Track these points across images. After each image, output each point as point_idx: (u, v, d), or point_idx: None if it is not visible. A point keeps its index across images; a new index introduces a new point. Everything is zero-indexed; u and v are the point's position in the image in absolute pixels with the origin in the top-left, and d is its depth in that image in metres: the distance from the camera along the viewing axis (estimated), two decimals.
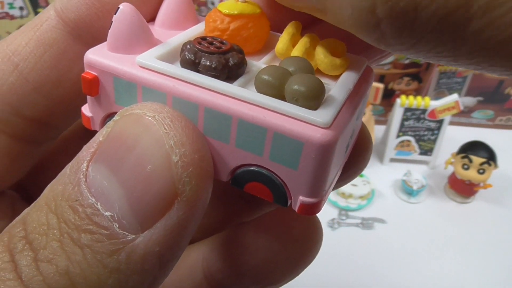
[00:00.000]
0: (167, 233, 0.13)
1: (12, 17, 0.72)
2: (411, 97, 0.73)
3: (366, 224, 0.70)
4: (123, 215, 0.13)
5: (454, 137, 0.79)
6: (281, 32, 0.17)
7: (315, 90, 0.14)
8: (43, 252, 0.13)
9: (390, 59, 0.80)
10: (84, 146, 0.14)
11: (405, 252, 0.66)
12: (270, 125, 0.13)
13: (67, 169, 0.14)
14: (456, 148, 0.72)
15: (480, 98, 0.86)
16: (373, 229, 0.70)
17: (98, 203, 0.13)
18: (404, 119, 0.76)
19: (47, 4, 0.70)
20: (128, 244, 0.13)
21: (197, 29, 0.18)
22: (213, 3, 0.70)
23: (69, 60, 0.17)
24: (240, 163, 0.15)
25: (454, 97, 0.72)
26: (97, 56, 0.15)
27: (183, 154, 0.13)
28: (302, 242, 0.20)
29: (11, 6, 0.70)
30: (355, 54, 0.18)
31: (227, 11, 0.16)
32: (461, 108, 0.72)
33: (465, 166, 0.70)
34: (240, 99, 0.14)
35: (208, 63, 0.14)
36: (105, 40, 0.17)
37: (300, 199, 0.14)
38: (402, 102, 0.73)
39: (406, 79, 0.83)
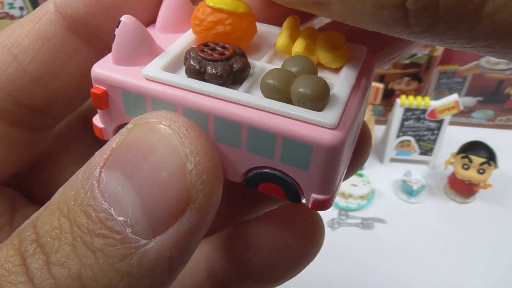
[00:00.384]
0: (179, 239, 0.13)
1: (12, 17, 0.72)
2: (411, 97, 0.73)
3: (366, 224, 0.70)
4: (136, 221, 0.13)
5: (454, 137, 0.79)
6: (277, 25, 0.17)
7: (320, 92, 0.14)
8: (55, 255, 0.13)
9: None
10: (96, 152, 0.14)
11: (405, 252, 0.66)
12: (279, 131, 0.14)
13: (79, 174, 0.14)
14: (456, 148, 0.72)
15: (480, 98, 0.86)
16: (373, 229, 0.70)
17: (112, 208, 0.13)
18: (404, 119, 0.76)
19: None
20: (140, 249, 0.13)
21: (190, 32, 0.18)
22: None
23: (66, 54, 0.18)
24: (252, 166, 0.15)
25: (454, 97, 0.72)
26: (104, 71, 0.15)
27: (198, 163, 0.14)
28: (305, 239, 0.20)
29: (11, 6, 0.70)
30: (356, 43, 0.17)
31: (211, 3, 0.16)
32: (461, 108, 0.72)
33: (465, 166, 0.70)
34: (249, 106, 0.14)
35: (214, 71, 0.15)
36: (101, 36, 0.17)
37: (312, 197, 0.15)
38: (402, 102, 0.74)
39: (406, 79, 0.83)
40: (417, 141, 0.78)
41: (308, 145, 0.14)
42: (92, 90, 0.16)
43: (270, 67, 0.16)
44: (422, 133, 0.77)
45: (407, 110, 0.75)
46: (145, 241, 0.13)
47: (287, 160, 0.14)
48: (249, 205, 0.24)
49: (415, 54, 0.78)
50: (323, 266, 0.66)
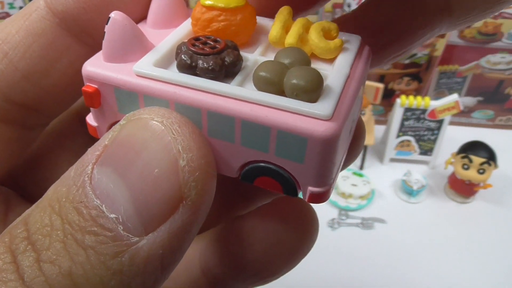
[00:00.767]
0: (171, 236, 0.13)
1: None
2: (411, 97, 0.73)
3: (366, 224, 0.70)
4: (128, 218, 0.13)
5: (454, 137, 0.80)
6: (270, 17, 0.17)
7: (314, 83, 0.14)
8: (46, 253, 0.13)
9: None
10: (89, 149, 0.14)
11: (405, 252, 0.66)
12: (273, 124, 0.13)
13: (71, 171, 0.14)
14: (456, 148, 0.72)
15: (480, 98, 0.86)
16: (373, 229, 0.70)
17: (103, 205, 0.13)
18: (404, 119, 0.76)
19: None
20: (131, 246, 0.13)
21: (186, 26, 0.17)
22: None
23: (57, 50, 0.18)
24: (247, 160, 0.15)
25: (454, 97, 0.72)
26: (95, 68, 0.15)
27: (190, 159, 0.13)
28: (299, 233, 0.20)
29: (11, 6, 0.70)
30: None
31: (204, 2, 0.16)
32: (461, 108, 0.72)
33: (465, 166, 0.70)
34: (241, 99, 0.14)
35: (205, 66, 0.14)
36: (93, 33, 0.17)
37: (309, 189, 0.15)
38: (402, 102, 0.74)
39: (406, 79, 0.83)
40: (417, 141, 0.78)
41: (302, 138, 0.13)
42: (83, 88, 0.16)
43: (264, 59, 0.16)
44: (422, 133, 0.77)
45: (407, 110, 0.75)
46: (137, 239, 0.13)
47: (282, 153, 0.14)
48: (242, 200, 0.23)
49: (415, 54, 0.78)
50: (323, 266, 0.66)
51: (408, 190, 0.74)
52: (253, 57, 0.16)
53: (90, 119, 0.17)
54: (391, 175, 0.79)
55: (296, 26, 0.16)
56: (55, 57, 0.18)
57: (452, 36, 0.75)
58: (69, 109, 0.22)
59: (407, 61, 0.80)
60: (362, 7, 0.19)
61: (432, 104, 0.73)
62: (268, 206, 0.21)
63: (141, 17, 0.18)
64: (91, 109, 0.16)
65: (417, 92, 0.85)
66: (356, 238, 0.68)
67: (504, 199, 0.74)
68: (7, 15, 0.71)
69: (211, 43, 0.15)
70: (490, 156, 0.69)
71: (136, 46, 0.15)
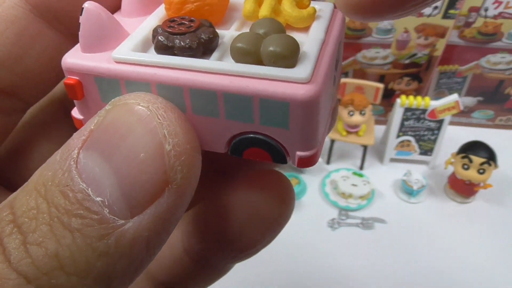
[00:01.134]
0: (156, 219, 0.13)
1: None
2: (411, 97, 0.73)
3: (366, 224, 0.70)
4: (113, 201, 0.13)
5: (454, 137, 0.80)
6: None
7: (290, 49, 0.14)
8: (33, 235, 0.13)
9: (390, 59, 0.80)
10: (75, 133, 0.14)
11: (405, 252, 0.66)
12: (253, 92, 0.14)
13: (57, 155, 0.14)
14: (456, 148, 0.72)
15: (480, 98, 0.86)
16: (373, 229, 0.70)
17: (89, 189, 0.13)
18: (404, 119, 0.76)
19: None
20: (117, 229, 0.13)
21: (160, 11, 0.18)
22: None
23: (30, 37, 0.18)
24: (234, 133, 0.15)
25: (454, 97, 0.72)
26: (74, 60, 0.15)
27: (176, 144, 0.14)
28: (277, 203, 0.20)
29: None
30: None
31: None
32: (461, 108, 0.72)
33: (465, 166, 0.70)
34: (220, 72, 0.14)
35: (182, 44, 0.15)
36: (65, 20, 0.17)
37: (297, 154, 0.15)
38: (402, 102, 0.74)
39: (406, 79, 0.83)
40: (417, 141, 0.79)
41: (284, 103, 0.13)
42: (65, 81, 0.16)
43: (240, 32, 0.16)
44: (422, 133, 0.78)
45: (407, 110, 0.75)
46: (123, 221, 0.13)
47: (266, 122, 0.14)
48: (220, 177, 0.23)
49: (415, 54, 0.78)
50: (323, 266, 0.66)
51: (408, 190, 0.74)
52: (229, 33, 0.16)
53: (76, 112, 0.17)
54: (391, 175, 0.79)
55: (268, 1, 0.17)
56: (28, 43, 0.18)
57: (452, 36, 0.75)
58: (51, 98, 0.22)
59: (407, 61, 0.80)
60: None
61: (432, 104, 0.73)
62: (246, 179, 0.21)
63: (115, 7, 0.18)
64: (75, 102, 0.16)
65: (417, 92, 0.85)
66: (356, 238, 0.68)
67: (504, 199, 0.74)
68: None
69: (186, 22, 0.15)
70: (490, 156, 0.69)
71: (113, 34, 0.16)
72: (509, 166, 0.76)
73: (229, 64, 0.14)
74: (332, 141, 0.80)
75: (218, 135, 0.15)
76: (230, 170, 0.24)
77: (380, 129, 0.84)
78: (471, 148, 0.70)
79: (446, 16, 0.70)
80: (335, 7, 0.17)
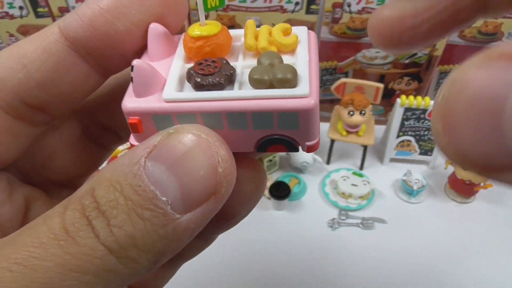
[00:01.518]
0: (201, 216, 0.19)
1: (12, 17, 0.72)
2: (411, 97, 0.73)
3: (366, 224, 0.70)
4: (174, 201, 0.18)
5: None
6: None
7: (292, 74, 0.19)
8: (115, 220, 0.18)
9: (390, 59, 0.80)
10: (139, 144, 0.19)
11: (405, 252, 0.66)
12: (273, 109, 0.19)
13: (125, 160, 0.19)
14: None
15: None
16: (373, 229, 0.70)
17: (157, 190, 0.18)
18: (404, 119, 0.76)
19: (47, 3, 0.70)
20: (175, 221, 0.18)
21: (180, 54, 0.23)
22: None
23: (66, 66, 0.23)
24: (259, 137, 0.21)
25: None
26: (133, 104, 0.20)
27: (225, 167, 0.19)
28: (255, 182, 0.26)
29: (10, 5, 0.70)
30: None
31: (193, 34, 0.21)
32: None
33: None
34: (247, 98, 0.19)
35: (214, 82, 0.20)
36: (94, 55, 0.23)
37: (306, 144, 0.21)
38: (402, 102, 0.73)
39: (406, 79, 0.83)
40: (417, 141, 0.78)
41: (295, 113, 0.19)
42: (129, 121, 0.20)
43: (246, 63, 0.22)
44: (422, 133, 0.78)
45: (407, 110, 0.75)
46: (179, 216, 0.18)
47: (283, 126, 0.20)
48: None
49: (415, 54, 0.78)
50: (323, 266, 0.66)
51: (408, 190, 0.74)
52: (239, 64, 0.22)
53: (133, 140, 0.22)
54: (391, 175, 0.79)
55: (262, 33, 0.22)
56: (63, 71, 0.23)
57: (452, 36, 0.75)
58: None
59: (407, 61, 0.80)
60: None
61: (432, 104, 0.73)
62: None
63: (137, 47, 0.23)
64: (134, 134, 0.21)
65: (417, 92, 0.85)
66: (356, 238, 0.68)
67: (504, 199, 0.74)
68: (7, 14, 0.71)
69: (211, 64, 0.21)
70: None
71: (156, 81, 0.21)
72: None
73: (251, 91, 0.20)
74: (332, 141, 0.79)
75: (248, 140, 0.21)
76: None
77: (380, 129, 0.84)
78: None
79: None
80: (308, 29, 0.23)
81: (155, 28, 0.22)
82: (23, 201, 0.26)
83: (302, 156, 0.79)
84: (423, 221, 0.71)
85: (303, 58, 0.21)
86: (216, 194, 0.19)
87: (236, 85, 0.20)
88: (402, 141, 0.79)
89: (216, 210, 0.20)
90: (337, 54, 0.80)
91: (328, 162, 0.82)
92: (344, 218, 0.71)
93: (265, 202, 0.75)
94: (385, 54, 0.78)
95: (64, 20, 0.22)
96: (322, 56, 0.81)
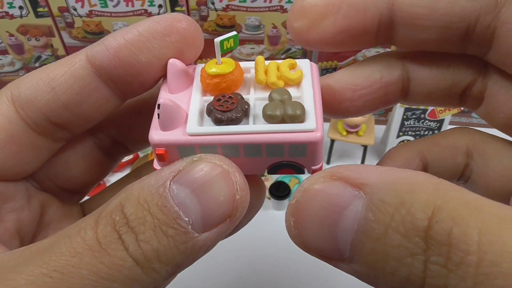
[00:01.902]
0: (216, 235, 0.21)
1: (12, 17, 0.72)
2: None
3: None
4: (195, 221, 0.20)
5: None
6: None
7: (301, 112, 0.22)
8: (142, 235, 0.20)
9: None
10: (165, 168, 0.21)
11: None
12: (285, 141, 0.22)
13: (151, 180, 0.21)
14: None
15: None
16: None
17: (181, 211, 0.20)
18: (404, 118, 0.76)
19: (47, 3, 0.70)
20: (194, 239, 0.20)
21: (197, 88, 0.24)
22: (213, 3, 0.70)
23: (90, 90, 0.25)
24: (271, 163, 0.23)
25: None
26: (159, 137, 0.22)
27: (242, 195, 0.21)
28: (257, 196, 0.28)
29: (10, 5, 0.70)
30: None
31: (210, 72, 0.23)
32: (462, 108, 0.72)
33: None
34: (262, 132, 0.22)
35: (233, 117, 0.22)
36: (117, 82, 0.25)
37: (311, 168, 0.24)
38: None
39: None
40: None
41: (303, 145, 0.22)
42: (156, 152, 0.22)
43: (258, 96, 0.24)
44: (422, 133, 0.77)
45: (407, 109, 0.75)
46: (197, 235, 0.20)
47: (292, 155, 0.23)
48: None
49: None
50: (323, 265, 0.65)
51: None
52: (251, 96, 0.24)
53: (157, 165, 0.24)
54: None
55: (271, 69, 0.24)
56: (87, 94, 0.25)
57: None
58: None
59: None
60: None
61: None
62: None
63: (157, 75, 0.25)
64: (159, 162, 0.23)
65: None
66: None
67: None
68: (7, 14, 0.71)
69: (228, 100, 0.23)
70: None
71: (179, 115, 0.23)
72: None
73: (265, 125, 0.22)
74: (332, 141, 0.79)
75: (261, 165, 0.24)
76: None
77: (380, 129, 0.84)
78: None
79: None
80: (310, 62, 0.26)
81: (174, 64, 0.24)
82: (39, 207, 0.28)
83: None
84: None
85: (308, 92, 0.23)
86: (231, 217, 0.21)
87: (251, 118, 0.23)
88: (402, 141, 0.79)
89: (229, 230, 0.22)
90: (337, 54, 0.80)
91: (328, 162, 0.82)
92: None
93: (265, 202, 0.75)
94: None
95: (92, 49, 0.25)
96: (323, 56, 0.81)
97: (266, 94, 0.24)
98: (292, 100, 0.23)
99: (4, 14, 0.71)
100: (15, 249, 0.21)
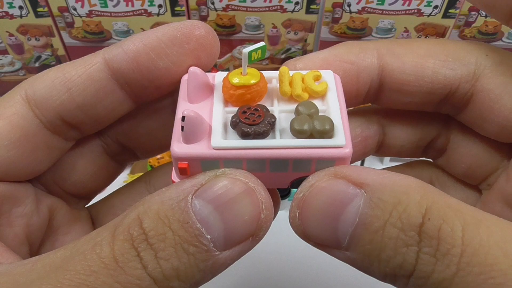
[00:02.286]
0: (237, 253, 0.21)
1: (12, 16, 0.72)
2: None
3: None
4: (217, 239, 0.20)
5: None
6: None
7: (330, 127, 0.21)
8: (162, 253, 0.19)
9: None
10: (186, 180, 0.21)
11: None
12: (313, 157, 0.21)
13: (172, 193, 0.20)
14: None
15: None
16: None
17: (203, 228, 0.19)
18: None
19: (47, 3, 0.70)
20: (215, 257, 0.20)
21: (219, 99, 0.23)
22: (213, 3, 0.70)
23: (105, 92, 0.25)
24: (296, 178, 0.23)
25: None
26: (183, 150, 0.21)
27: (267, 215, 0.21)
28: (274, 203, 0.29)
29: (10, 5, 0.70)
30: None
31: (232, 82, 0.23)
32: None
33: None
34: (290, 147, 0.21)
35: (261, 130, 0.21)
36: (132, 85, 0.25)
37: None
38: None
39: None
40: None
41: (332, 161, 0.21)
42: (179, 166, 0.21)
43: (282, 108, 0.23)
44: None
45: None
46: (218, 253, 0.20)
47: (319, 169, 0.22)
48: None
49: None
50: (323, 265, 0.65)
51: None
52: (275, 108, 0.23)
53: (175, 177, 0.23)
54: None
55: (295, 80, 0.24)
56: (102, 96, 0.25)
57: (452, 36, 0.75)
58: None
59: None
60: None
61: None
62: None
63: (172, 82, 0.25)
64: (180, 175, 0.22)
65: None
66: None
67: None
68: (7, 14, 0.71)
69: (254, 112, 0.22)
70: None
71: (203, 128, 0.21)
72: None
73: (293, 140, 0.21)
74: None
75: (285, 180, 0.23)
76: None
77: None
78: None
79: (446, 15, 0.70)
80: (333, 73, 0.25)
81: (195, 73, 0.23)
82: (48, 212, 0.28)
83: None
84: None
85: (335, 106, 0.23)
86: (254, 236, 0.21)
87: (277, 132, 0.22)
88: None
89: (251, 248, 0.21)
90: None
91: None
92: None
93: None
94: None
95: (110, 52, 0.24)
96: None
97: (290, 106, 0.23)
98: (320, 114, 0.22)
99: (4, 14, 0.71)
100: (26, 260, 0.21)
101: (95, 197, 0.33)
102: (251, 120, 0.21)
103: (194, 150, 0.21)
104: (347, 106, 0.24)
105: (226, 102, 0.23)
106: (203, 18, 0.73)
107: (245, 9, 0.72)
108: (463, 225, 0.18)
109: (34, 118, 0.25)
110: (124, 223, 0.20)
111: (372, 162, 0.82)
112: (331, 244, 0.21)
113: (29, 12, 0.71)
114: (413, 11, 0.70)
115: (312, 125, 0.21)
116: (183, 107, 0.23)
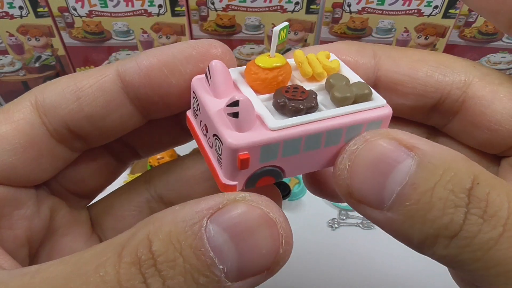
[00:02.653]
0: (249, 285, 0.19)
1: (12, 17, 0.72)
2: None
3: (366, 224, 0.70)
4: (230, 270, 0.18)
5: None
6: None
7: (369, 90, 0.22)
8: (171, 281, 0.18)
9: None
10: (202, 200, 0.19)
11: (405, 252, 0.66)
12: (365, 120, 0.22)
13: (186, 214, 0.19)
14: None
15: None
16: (373, 229, 0.70)
17: (216, 258, 0.18)
18: None
19: (47, 3, 0.70)
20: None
21: (245, 88, 0.23)
22: (213, 3, 0.70)
23: (115, 105, 0.25)
24: (327, 157, 0.23)
25: None
26: (241, 141, 0.20)
27: (287, 249, 0.20)
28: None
29: (10, 5, 0.70)
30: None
31: (264, 65, 0.22)
32: None
33: None
34: (345, 114, 0.21)
35: (312, 104, 0.21)
36: (142, 99, 0.24)
37: None
38: None
39: None
40: None
41: (379, 121, 0.22)
42: (240, 158, 0.20)
43: (310, 87, 0.23)
44: None
45: None
46: (230, 284, 0.18)
47: (348, 139, 0.22)
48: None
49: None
50: (323, 265, 0.66)
51: None
52: (313, 89, 0.23)
53: (226, 180, 0.21)
54: None
55: (315, 60, 0.24)
56: (112, 109, 0.25)
57: (452, 36, 0.75)
58: None
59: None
60: None
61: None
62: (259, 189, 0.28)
63: (182, 99, 0.25)
64: (233, 171, 0.21)
65: None
66: (356, 238, 0.68)
67: None
68: (7, 14, 0.71)
69: (297, 90, 0.22)
70: None
71: (254, 116, 0.20)
72: None
73: (345, 108, 0.22)
74: None
75: (316, 160, 0.22)
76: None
77: None
78: None
79: (446, 15, 0.70)
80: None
81: (219, 66, 0.22)
82: (49, 213, 0.28)
83: None
84: None
85: (354, 76, 0.24)
86: (269, 270, 0.20)
87: (320, 106, 0.22)
88: None
89: (264, 281, 0.20)
90: None
91: None
92: (344, 218, 0.71)
93: None
94: None
95: (123, 65, 0.24)
96: None
97: (316, 84, 0.23)
98: (359, 82, 0.23)
99: (4, 14, 0.71)
100: (25, 269, 0.19)
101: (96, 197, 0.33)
102: (298, 96, 0.21)
103: (253, 138, 0.20)
104: None
105: (256, 92, 0.23)
106: (203, 18, 0.73)
107: (245, 9, 0.72)
108: (507, 193, 0.19)
109: (41, 125, 0.24)
110: (132, 243, 0.18)
111: None
112: (374, 202, 0.21)
113: (29, 12, 0.71)
114: (413, 11, 0.70)
115: (353, 92, 0.22)
116: (212, 102, 0.22)
